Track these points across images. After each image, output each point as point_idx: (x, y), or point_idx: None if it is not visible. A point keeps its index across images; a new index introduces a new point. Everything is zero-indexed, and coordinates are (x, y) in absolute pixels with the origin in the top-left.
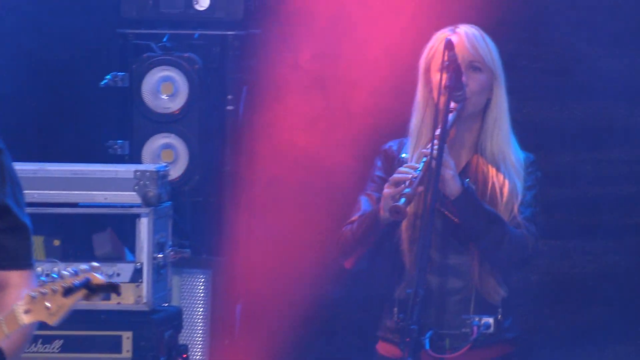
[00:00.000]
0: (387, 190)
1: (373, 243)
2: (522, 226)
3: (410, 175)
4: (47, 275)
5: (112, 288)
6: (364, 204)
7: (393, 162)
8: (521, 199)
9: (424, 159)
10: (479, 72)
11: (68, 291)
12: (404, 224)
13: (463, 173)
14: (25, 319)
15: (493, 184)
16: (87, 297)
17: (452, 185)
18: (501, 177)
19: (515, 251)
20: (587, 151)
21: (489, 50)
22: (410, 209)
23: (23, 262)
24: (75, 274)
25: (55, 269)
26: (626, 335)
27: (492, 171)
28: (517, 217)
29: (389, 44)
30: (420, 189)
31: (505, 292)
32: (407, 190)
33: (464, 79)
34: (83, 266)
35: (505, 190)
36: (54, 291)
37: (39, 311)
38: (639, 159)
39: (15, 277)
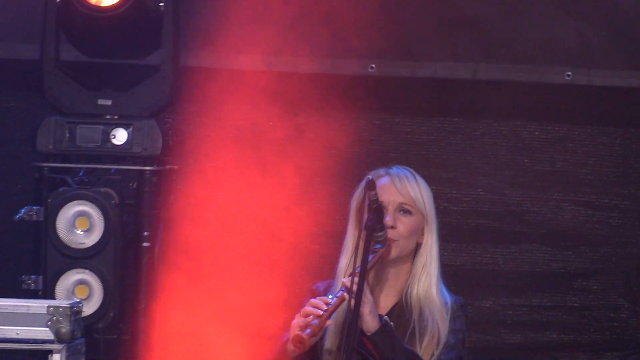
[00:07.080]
0: (295, 320)
1: None
2: None
3: (321, 309)
4: None
5: None
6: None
7: None
8: (445, 341)
9: (339, 293)
10: (408, 215)
11: None
12: None
13: (388, 316)
14: None
15: (414, 328)
16: None
17: (370, 321)
18: (424, 321)
19: None
20: None
21: (420, 192)
22: (333, 344)
23: None
24: None
25: None
26: None
27: (415, 315)
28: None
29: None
30: (329, 322)
31: None
32: (314, 321)
33: (390, 221)
34: None
35: (426, 335)
36: None
37: None
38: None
39: None
